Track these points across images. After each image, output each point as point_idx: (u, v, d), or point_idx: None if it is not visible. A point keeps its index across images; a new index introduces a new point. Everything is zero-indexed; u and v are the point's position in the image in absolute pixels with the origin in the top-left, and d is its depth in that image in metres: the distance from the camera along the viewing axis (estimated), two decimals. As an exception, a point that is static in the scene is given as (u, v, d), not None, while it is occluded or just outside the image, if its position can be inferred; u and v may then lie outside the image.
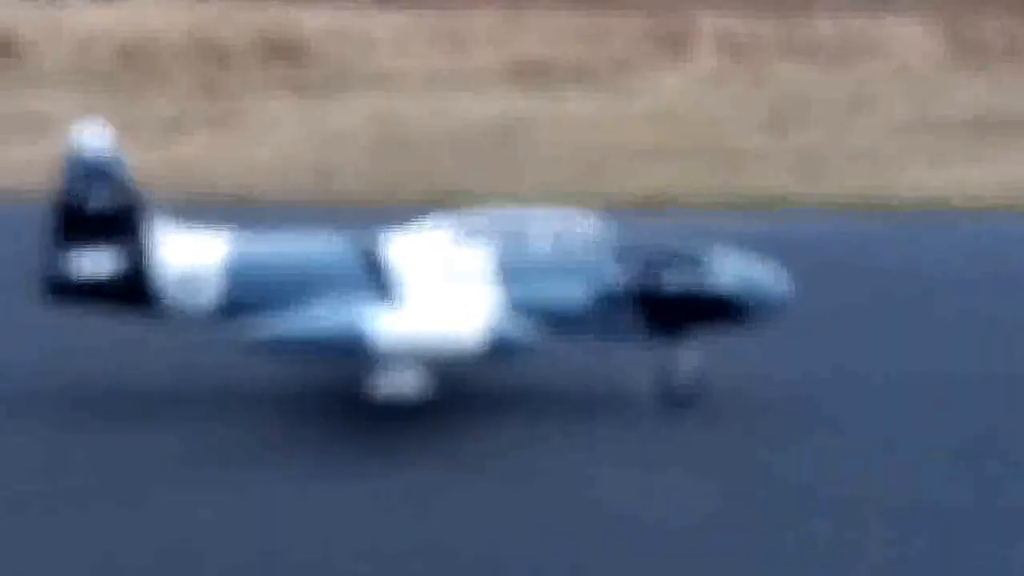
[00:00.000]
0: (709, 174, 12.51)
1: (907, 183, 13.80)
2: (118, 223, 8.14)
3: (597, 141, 13.99)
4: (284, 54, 16.61)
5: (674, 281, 8.29)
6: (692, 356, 8.57)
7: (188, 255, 8.22)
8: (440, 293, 8.09)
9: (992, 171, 15.77)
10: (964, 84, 16.70)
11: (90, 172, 8.18)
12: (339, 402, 8.51)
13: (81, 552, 6.82)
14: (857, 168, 13.83)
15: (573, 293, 8.17)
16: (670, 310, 8.29)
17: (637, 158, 12.74)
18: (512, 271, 8.22)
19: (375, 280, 8.09)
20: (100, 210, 8.14)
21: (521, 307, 8.04)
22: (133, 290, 8.17)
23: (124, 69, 15.84)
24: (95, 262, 8.20)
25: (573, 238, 8.48)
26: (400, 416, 8.15)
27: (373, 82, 15.81)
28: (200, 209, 9.39)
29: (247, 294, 8.20)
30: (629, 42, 18.18)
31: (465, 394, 8.65)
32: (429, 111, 15.14)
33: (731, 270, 8.46)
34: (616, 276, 8.29)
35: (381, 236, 8.54)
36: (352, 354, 7.96)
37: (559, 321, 8.21)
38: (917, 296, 12.12)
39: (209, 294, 8.17)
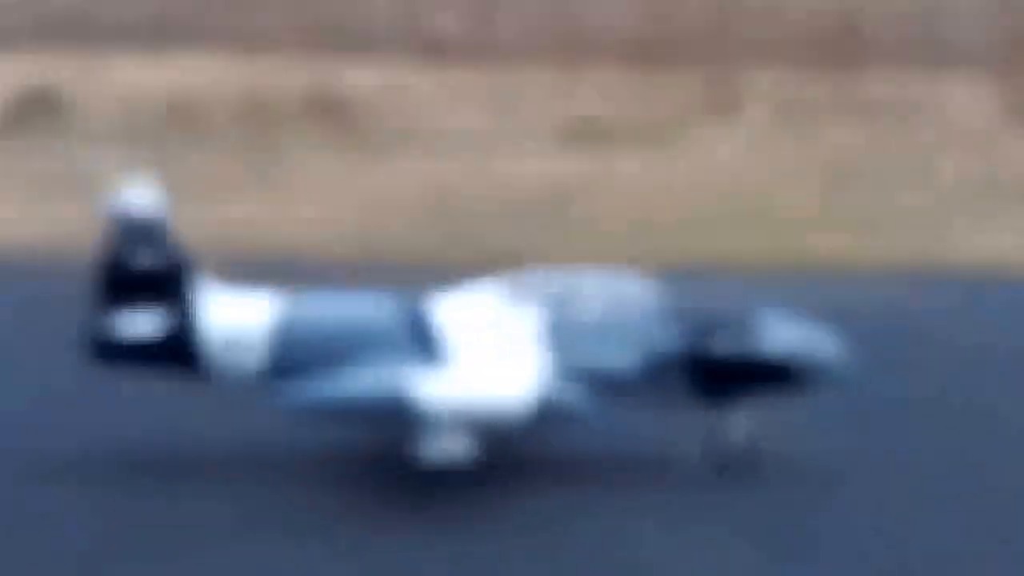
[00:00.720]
0: (762, 237, 12.63)
1: (966, 246, 13.88)
2: (164, 283, 8.31)
3: (650, 204, 14.12)
4: (332, 113, 16.78)
5: (726, 346, 8.38)
6: (744, 422, 8.60)
7: (235, 316, 8.39)
8: (489, 356, 8.17)
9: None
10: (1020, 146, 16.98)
11: (136, 231, 8.39)
12: (384, 468, 8.46)
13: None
14: (914, 231, 13.86)
15: (623, 357, 8.27)
16: (722, 375, 8.38)
17: (690, 221, 12.79)
18: (562, 334, 8.28)
19: (422, 342, 8.21)
20: (146, 270, 8.29)
21: (570, 371, 8.15)
22: (179, 352, 8.27)
23: (171, 126, 16.09)
24: (141, 323, 8.29)
25: (624, 301, 8.63)
26: (445, 482, 8.17)
27: (422, 142, 15.96)
28: (247, 268, 9.44)
29: (293, 356, 8.29)
30: (682, 102, 18.30)
31: (512, 460, 8.60)
32: (477, 171, 15.27)
33: (784, 335, 8.53)
34: (667, 340, 8.33)
35: (429, 298, 8.66)
36: (396, 417, 7.98)
37: (609, 386, 8.28)
38: (973, 371, 11.46)
39: (255, 356, 8.28)
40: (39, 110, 17.19)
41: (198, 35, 21.38)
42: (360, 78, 17.88)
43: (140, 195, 8.63)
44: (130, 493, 8.85)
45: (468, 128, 16.81)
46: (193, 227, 8.91)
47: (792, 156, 16.24)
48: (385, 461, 8.55)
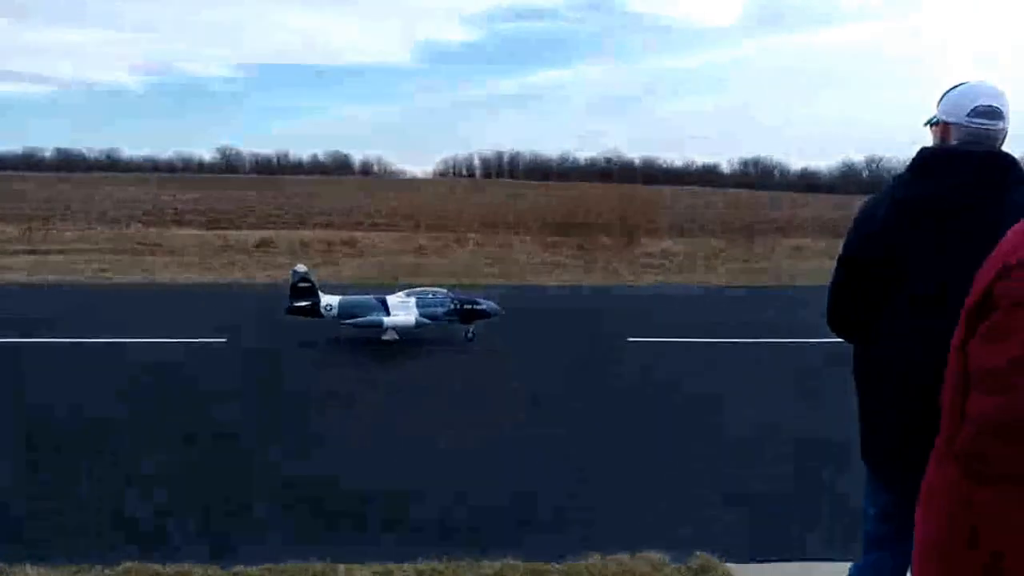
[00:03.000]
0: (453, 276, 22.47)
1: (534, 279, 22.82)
2: (309, 291, 15.14)
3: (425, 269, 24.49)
4: (344, 246, 28.72)
5: (467, 305, 15.35)
6: (472, 328, 15.20)
7: (327, 300, 14.91)
8: (399, 313, 15.08)
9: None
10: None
11: (300, 276, 15.05)
12: (371, 344, 14.57)
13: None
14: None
15: (439, 311, 15.06)
16: (467, 315, 15.08)
17: (448, 274, 22.05)
18: (421, 303, 15.14)
19: (384, 307, 15.10)
20: (304, 287, 15.19)
21: (424, 314, 14.97)
22: (315, 311, 14.94)
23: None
24: (303, 303, 15.08)
25: (438, 294, 15.56)
26: (389, 347, 14.33)
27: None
28: (335, 286, 15.82)
29: (344, 312, 14.92)
30: (440, 243, 32.56)
31: (409, 342, 14.73)
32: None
33: (481, 301, 15.42)
34: (452, 304, 15.19)
35: (383, 297, 15.25)
36: (376, 330, 14.62)
37: (435, 319, 14.96)
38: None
39: (334, 311, 14.88)
40: (265, 248, 27.49)
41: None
42: (372, 238, 31.87)
43: (301, 266, 15.36)
44: (293, 355, 14.55)
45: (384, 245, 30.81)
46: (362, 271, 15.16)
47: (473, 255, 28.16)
48: (371, 341, 14.57)
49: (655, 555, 6.64)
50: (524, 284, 22.59)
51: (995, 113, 3.61)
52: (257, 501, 8.03)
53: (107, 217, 41.68)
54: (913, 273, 3.47)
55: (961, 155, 3.57)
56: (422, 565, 6.46)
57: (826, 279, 4.09)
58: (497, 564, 6.49)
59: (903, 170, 3.77)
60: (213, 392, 12.06)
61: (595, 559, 6.61)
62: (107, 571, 6.17)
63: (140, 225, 39.29)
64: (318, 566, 6.29)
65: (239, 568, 6.32)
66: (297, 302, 15.31)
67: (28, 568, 6.18)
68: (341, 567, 6.36)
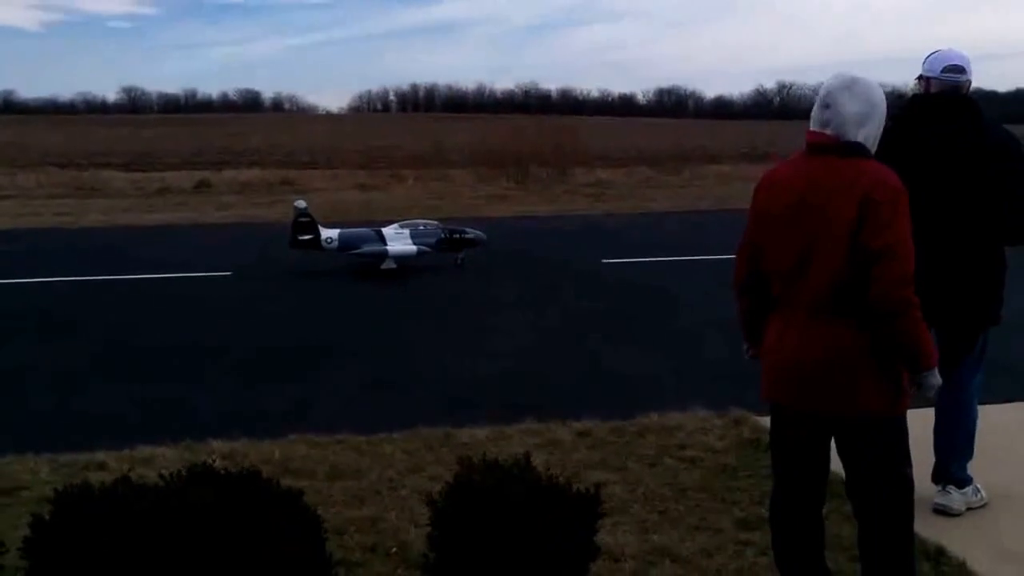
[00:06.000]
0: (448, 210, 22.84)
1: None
2: (310, 225, 15.73)
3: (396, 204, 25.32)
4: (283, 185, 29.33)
5: (456, 234, 15.96)
6: (463, 255, 15.93)
7: (327, 233, 15.48)
8: (397, 242, 15.81)
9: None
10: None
11: (300, 212, 15.47)
12: (373, 271, 15.52)
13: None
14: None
15: (431, 240, 15.81)
16: (456, 243, 15.74)
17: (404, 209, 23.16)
18: (414, 234, 15.85)
19: (381, 238, 15.95)
20: (304, 221, 15.76)
21: (418, 244, 15.79)
22: (316, 243, 15.71)
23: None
24: (304, 236, 15.75)
25: (428, 224, 16.30)
26: (388, 275, 15.27)
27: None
28: (327, 223, 16.07)
29: (343, 244, 15.69)
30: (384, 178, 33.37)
31: (408, 268, 15.58)
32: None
33: (469, 230, 16.12)
34: (442, 234, 15.73)
35: (379, 228, 15.99)
36: (376, 259, 15.37)
37: (431, 246, 15.70)
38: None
39: (335, 243, 15.64)
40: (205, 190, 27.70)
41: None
42: (308, 177, 31.70)
43: (301, 202, 15.86)
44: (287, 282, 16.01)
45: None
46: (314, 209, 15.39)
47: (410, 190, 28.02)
48: (373, 269, 15.37)
49: (702, 411, 7.86)
50: (474, 217, 22.72)
51: (958, 69, 5.15)
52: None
53: (18, 162, 40.75)
54: None
55: (935, 98, 5.14)
56: (524, 426, 7.52)
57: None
58: (580, 424, 7.45)
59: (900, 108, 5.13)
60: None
61: (655, 417, 7.73)
62: (276, 443, 7.06)
63: (56, 169, 38.73)
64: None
65: (383, 435, 7.29)
66: (300, 236, 15.97)
67: (213, 443, 7.03)
68: (463, 431, 7.24)
